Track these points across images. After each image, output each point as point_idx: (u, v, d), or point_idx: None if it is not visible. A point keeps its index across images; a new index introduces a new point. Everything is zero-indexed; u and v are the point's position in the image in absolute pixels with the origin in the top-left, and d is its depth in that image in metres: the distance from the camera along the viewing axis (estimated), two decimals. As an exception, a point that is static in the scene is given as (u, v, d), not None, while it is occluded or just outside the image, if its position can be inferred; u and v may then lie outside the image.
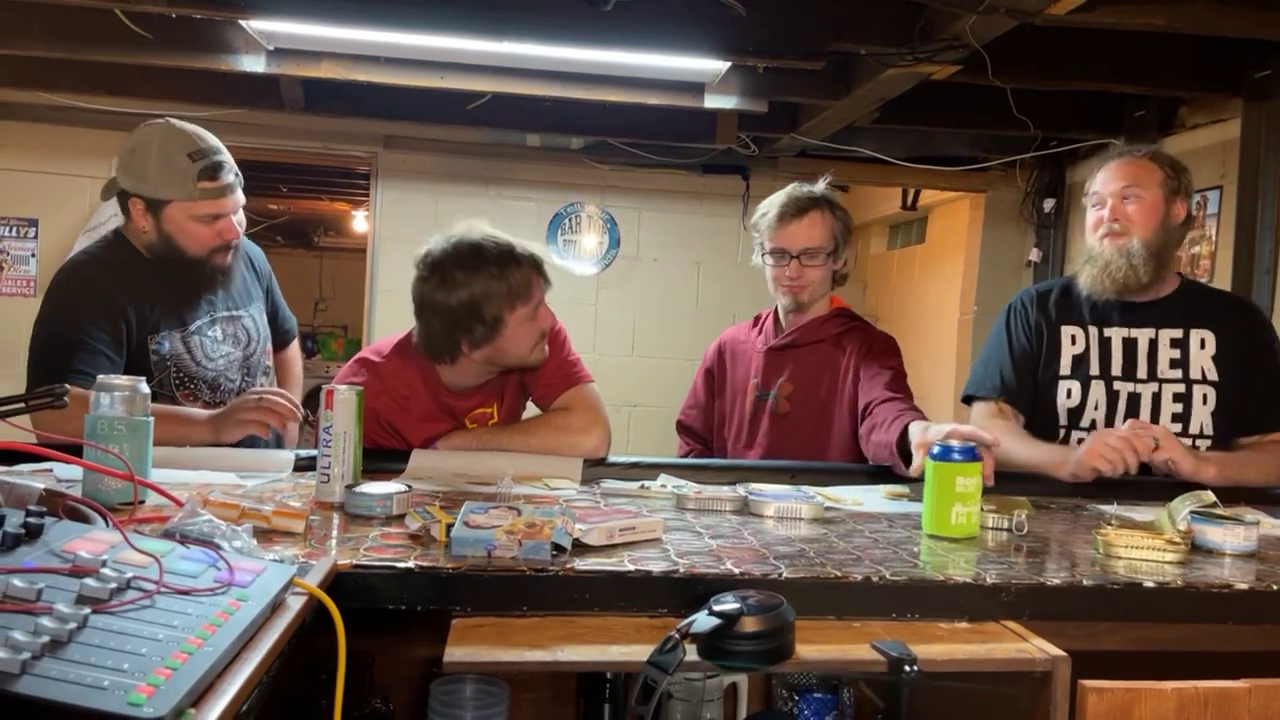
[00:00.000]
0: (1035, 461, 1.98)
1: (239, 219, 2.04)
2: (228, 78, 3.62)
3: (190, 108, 4.24)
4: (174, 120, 2.01)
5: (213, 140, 2.02)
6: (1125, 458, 1.81)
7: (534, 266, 1.85)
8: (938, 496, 1.46)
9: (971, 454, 1.46)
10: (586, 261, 5.05)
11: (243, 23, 2.96)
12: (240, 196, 2.04)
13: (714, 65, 3.15)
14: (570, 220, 5.03)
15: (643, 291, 5.11)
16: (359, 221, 8.32)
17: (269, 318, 2.31)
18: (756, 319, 2.35)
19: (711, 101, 3.47)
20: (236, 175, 2.02)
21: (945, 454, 1.46)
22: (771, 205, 2.19)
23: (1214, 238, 3.56)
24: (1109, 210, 2.08)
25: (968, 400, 2.24)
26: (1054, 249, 4.59)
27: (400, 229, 4.91)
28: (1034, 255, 4.68)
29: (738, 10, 2.67)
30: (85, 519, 1.01)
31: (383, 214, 4.95)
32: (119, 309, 1.94)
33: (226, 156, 2.01)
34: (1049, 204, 4.55)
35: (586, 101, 3.54)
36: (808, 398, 2.15)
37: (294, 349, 2.50)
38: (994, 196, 4.87)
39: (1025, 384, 2.15)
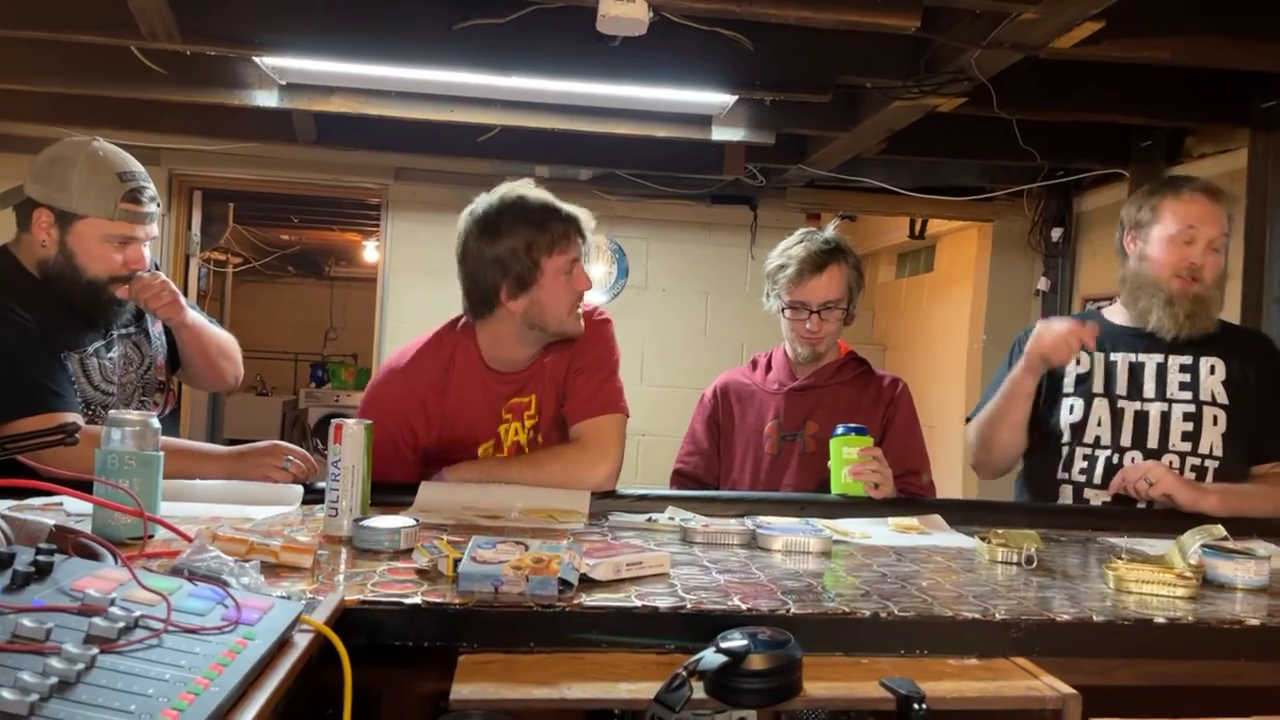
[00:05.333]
0: (1001, 394, 2.11)
1: (148, 253, 1.96)
2: (241, 112, 3.67)
3: (203, 141, 4.31)
4: (102, 140, 1.94)
5: (139, 166, 1.95)
6: (1069, 342, 1.96)
7: (573, 222, 1.91)
8: (834, 464, 1.97)
9: (859, 430, 1.98)
10: (595, 291, 5.06)
11: (256, 59, 3.01)
12: (155, 229, 1.97)
13: (721, 98, 3.18)
14: (579, 250, 5.06)
15: (651, 321, 5.12)
16: (369, 251, 8.38)
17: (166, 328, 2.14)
18: (754, 362, 2.36)
19: (719, 134, 3.49)
20: (158, 205, 1.96)
21: (839, 431, 1.98)
22: (790, 259, 2.20)
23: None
24: (1199, 255, 2.02)
25: (970, 421, 2.30)
26: (1062, 278, 4.59)
27: (411, 259, 4.94)
28: (1042, 284, 4.68)
29: (744, 45, 2.70)
30: (95, 555, 1.02)
31: (393, 245, 4.99)
32: (31, 323, 1.85)
33: (151, 185, 1.95)
34: (1056, 233, 4.56)
35: (595, 134, 3.57)
36: None
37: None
38: (1001, 226, 4.88)
39: None
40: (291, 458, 1.82)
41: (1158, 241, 2.07)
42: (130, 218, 1.88)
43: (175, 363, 2.18)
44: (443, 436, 1.92)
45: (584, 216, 1.94)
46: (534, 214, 1.88)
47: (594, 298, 5.07)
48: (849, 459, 1.95)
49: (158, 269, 2.02)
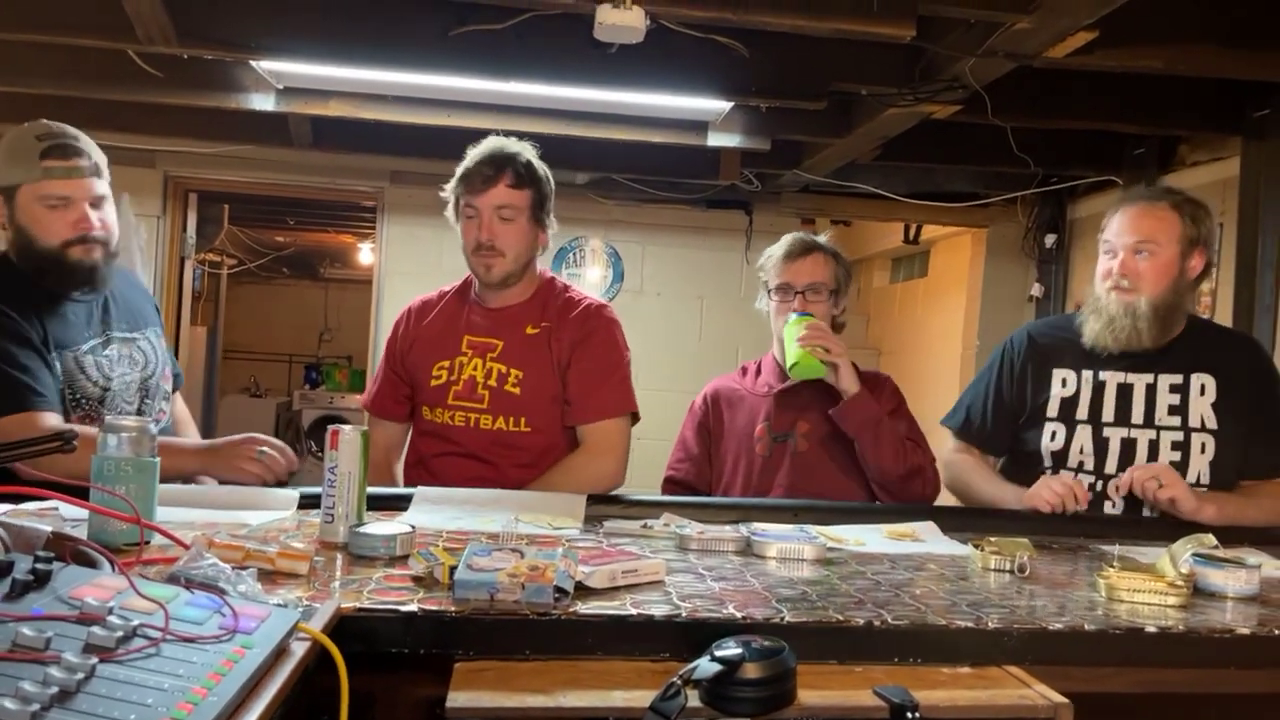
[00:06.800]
0: (994, 497, 2.08)
1: (104, 215, 1.91)
2: (237, 115, 3.67)
3: (200, 144, 4.31)
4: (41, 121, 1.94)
5: (74, 131, 1.91)
6: (1065, 502, 1.91)
7: (480, 176, 2.00)
8: (788, 346, 2.08)
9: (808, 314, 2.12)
10: (591, 295, 5.08)
11: (253, 63, 3.01)
12: (98, 188, 1.91)
13: (717, 105, 3.19)
14: (574, 254, 5.07)
15: (646, 325, 5.12)
16: (365, 253, 8.37)
17: None
18: (744, 369, 2.38)
19: (715, 140, 3.51)
20: (94, 164, 1.90)
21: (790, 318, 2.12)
22: (777, 246, 2.27)
23: (1215, 275, 3.58)
24: (1119, 264, 2.01)
25: (945, 424, 2.29)
26: (1056, 284, 4.61)
27: (406, 263, 4.95)
28: (1036, 290, 4.70)
29: (740, 52, 2.71)
30: (92, 563, 1.02)
31: (389, 248, 4.99)
32: (22, 320, 1.85)
33: (85, 145, 1.90)
34: (1050, 239, 4.59)
35: (591, 138, 3.58)
36: (829, 434, 2.18)
37: (185, 415, 2.29)
38: (996, 231, 4.91)
39: (997, 429, 2.19)
40: (266, 449, 1.80)
41: (1098, 266, 2.10)
42: (53, 174, 1.85)
43: (176, 383, 2.22)
44: (414, 346, 2.13)
45: (515, 173, 2.00)
46: (472, 158, 2.03)
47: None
48: (798, 335, 2.04)
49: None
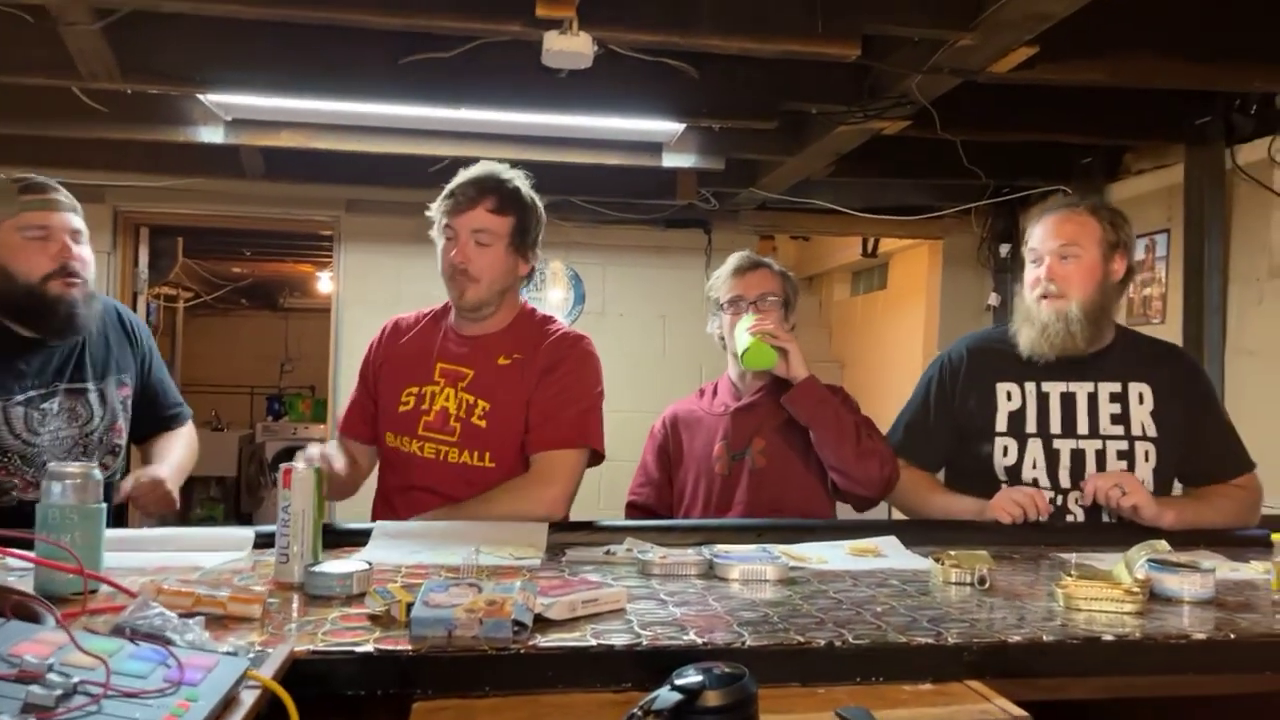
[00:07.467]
0: (951, 509, 2.07)
1: (83, 251, 1.94)
2: (187, 147, 3.64)
3: (149, 177, 4.26)
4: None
5: (42, 178, 1.97)
6: (1026, 511, 1.94)
7: (454, 198, 1.98)
8: (739, 341, 2.11)
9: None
10: (573, 327, 5.06)
11: (199, 96, 2.98)
12: (75, 223, 1.95)
13: (670, 126, 3.21)
14: (535, 278, 5.06)
15: (610, 346, 5.06)
16: (324, 282, 8.30)
17: (148, 398, 2.20)
18: (701, 391, 2.39)
19: (670, 160, 3.53)
20: (71, 202, 1.96)
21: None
22: (726, 265, 2.30)
23: (1164, 279, 3.65)
24: (1045, 270, 2.05)
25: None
26: (1011, 293, 4.67)
27: (364, 291, 4.91)
28: (993, 299, 4.76)
29: (690, 74, 2.73)
30: (35, 616, 0.99)
31: (346, 276, 4.95)
32: None
33: (60, 189, 1.96)
34: (1004, 249, 4.65)
35: (547, 162, 3.58)
36: (785, 449, 2.19)
37: (183, 431, 2.32)
38: (951, 243, 4.97)
39: (938, 445, 2.20)
40: (139, 488, 1.83)
41: (1025, 276, 2.13)
42: (34, 206, 1.88)
43: (137, 433, 2.20)
44: (386, 364, 2.09)
45: (490, 198, 1.98)
46: (460, 178, 2.02)
47: (551, 324, 5.08)
48: (748, 326, 2.11)
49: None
